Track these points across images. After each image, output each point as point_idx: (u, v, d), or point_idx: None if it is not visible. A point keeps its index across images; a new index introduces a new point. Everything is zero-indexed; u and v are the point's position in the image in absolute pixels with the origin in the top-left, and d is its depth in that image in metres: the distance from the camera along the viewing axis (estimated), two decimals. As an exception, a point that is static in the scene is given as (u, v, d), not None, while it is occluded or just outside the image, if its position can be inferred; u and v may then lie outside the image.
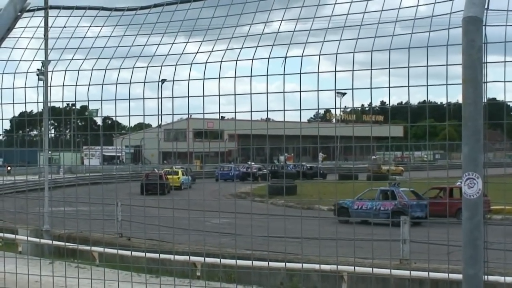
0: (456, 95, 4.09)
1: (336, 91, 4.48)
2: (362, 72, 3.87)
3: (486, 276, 3.03)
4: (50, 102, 4.97)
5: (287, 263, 14.41)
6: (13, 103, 4.63)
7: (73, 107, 6.09)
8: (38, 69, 17.13)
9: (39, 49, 4.62)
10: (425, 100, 4.84)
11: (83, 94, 4.59)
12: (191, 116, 5.73)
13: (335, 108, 9.41)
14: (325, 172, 35.78)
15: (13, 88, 4.53)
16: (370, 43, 3.66)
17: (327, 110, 60.79)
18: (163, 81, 4.96)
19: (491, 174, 3.65)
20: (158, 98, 5.10)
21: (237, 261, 10.39)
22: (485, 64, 2.99)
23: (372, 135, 4.77)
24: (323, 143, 5.52)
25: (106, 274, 5.46)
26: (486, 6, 3.01)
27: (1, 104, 4.37)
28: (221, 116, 5.81)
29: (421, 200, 30.25)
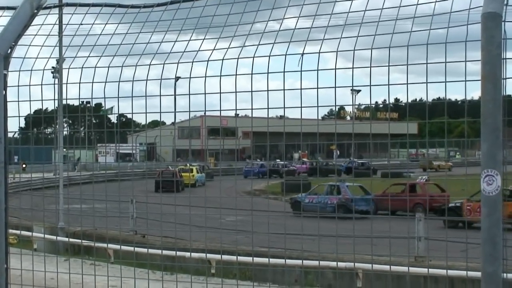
0: (470, 92, 4.06)
1: (352, 88, 4.46)
2: (374, 69, 3.83)
3: (505, 274, 3.01)
4: (67, 99, 4.94)
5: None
6: (30, 100, 4.65)
7: (88, 105, 6.10)
8: (53, 67, 17.17)
9: (55, 46, 4.63)
10: (439, 97, 4.81)
11: (96, 91, 4.60)
12: (206, 113, 5.73)
13: (353, 105, 9.40)
14: (375, 168, 35.73)
15: (29, 85, 4.55)
16: (384, 40, 3.63)
17: (341, 107, 60.74)
18: (178, 78, 4.96)
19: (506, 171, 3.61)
20: (174, 95, 5.10)
21: (254, 258, 10.38)
22: (504, 60, 2.96)
23: (387, 132, 4.74)
24: (337, 140, 5.49)
25: (121, 272, 5.46)
26: (505, 2, 2.98)
27: (18, 101, 4.39)
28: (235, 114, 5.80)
29: (366, 195, 31.02)
